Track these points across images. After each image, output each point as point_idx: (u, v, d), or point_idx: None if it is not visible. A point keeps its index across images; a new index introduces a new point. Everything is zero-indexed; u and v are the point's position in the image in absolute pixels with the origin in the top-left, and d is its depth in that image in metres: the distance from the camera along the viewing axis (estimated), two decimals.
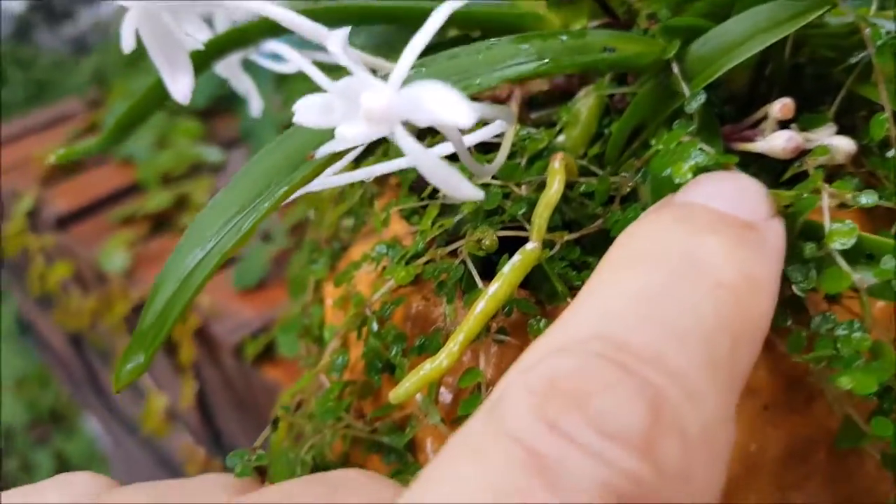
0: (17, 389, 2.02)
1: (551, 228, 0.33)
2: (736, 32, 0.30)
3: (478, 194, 0.23)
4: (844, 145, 0.30)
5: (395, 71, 0.22)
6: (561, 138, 0.37)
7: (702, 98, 0.30)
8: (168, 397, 0.84)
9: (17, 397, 2.02)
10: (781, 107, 0.30)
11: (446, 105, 0.20)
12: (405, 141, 0.22)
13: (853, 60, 0.32)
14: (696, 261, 0.22)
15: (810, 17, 0.29)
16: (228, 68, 0.41)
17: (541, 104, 0.38)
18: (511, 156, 0.35)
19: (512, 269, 0.27)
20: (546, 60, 0.28)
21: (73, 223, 1.04)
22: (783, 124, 0.33)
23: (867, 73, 0.32)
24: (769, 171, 0.33)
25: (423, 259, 0.32)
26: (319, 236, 0.42)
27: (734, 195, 0.25)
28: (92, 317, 0.89)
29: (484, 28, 0.38)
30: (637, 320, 0.20)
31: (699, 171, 0.26)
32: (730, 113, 0.34)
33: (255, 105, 0.42)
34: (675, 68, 0.31)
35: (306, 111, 0.23)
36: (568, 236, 0.31)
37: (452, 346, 0.27)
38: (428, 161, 0.22)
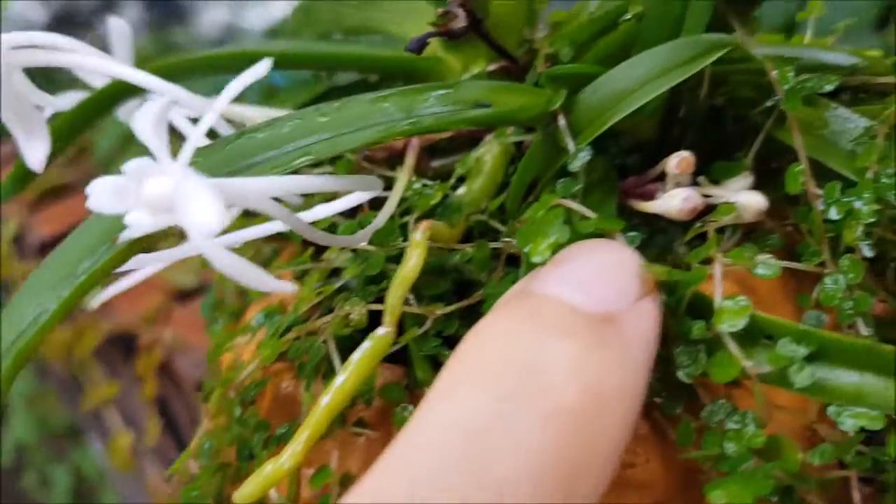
0: (29, 406, 2.04)
1: (437, 296, 0.30)
2: (626, 80, 0.27)
3: (286, 288, 0.21)
4: (753, 202, 0.27)
5: (180, 157, 0.20)
6: (462, 190, 0.34)
7: (585, 156, 0.27)
8: (135, 433, 0.83)
9: (29, 414, 2.03)
10: (679, 161, 0.27)
11: (199, 211, 0.17)
12: (194, 236, 0.19)
13: (770, 103, 0.29)
14: (536, 378, 0.19)
15: (708, 60, 0.26)
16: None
17: (445, 151, 0.36)
18: (406, 212, 0.32)
19: (361, 358, 0.24)
20: (404, 122, 0.25)
21: None
22: (697, 173, 0.30)
23: (785, 117, 0.29)
24: (678, 226, 0.30)
25: (291, 334, 0.29)
26: (223, 292, 0.40)
27: (595, 278, 0.22)
28: (65, 347, 0.88)
29: (383, 72, 0.35)
30: (453, 472, 0.17)
31: (558, 248, 0.23)
32: (635, 164, 0.31)
33: None
34: (562, 121, 0.28)
35: (98, 195, 0.21)
36: (441, 310, 0.28)
37: (296, 446, 0.24)
38: (222, 259, 0.20)
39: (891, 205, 0.26)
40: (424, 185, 0.33)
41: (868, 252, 0.26)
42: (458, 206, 0.32)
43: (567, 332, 0.20)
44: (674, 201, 0.27)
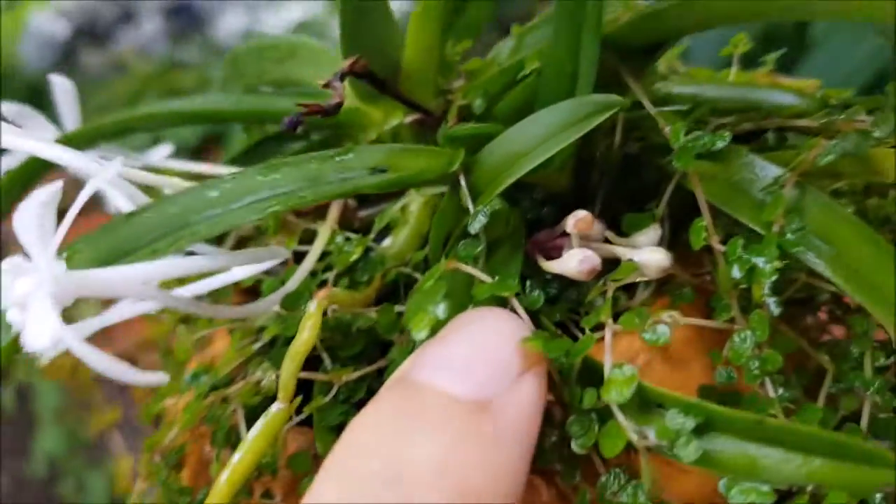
0: (58, 419, 2.09)
1: (354, 356, 0.30)
2: (520, 141, 0.27)
3: (153, 380, 0.21)
4: (655, 261, 0.27)
5: (46, 255, 0.20)
6: (387, 242, 0.34)
7: (482, 219, 0.27)
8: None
9: (59, 427, 2.09)
10: (576, 221, 0.27)
11: (33, 325, 0.18)
12: (68, 338, 0.20)
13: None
14: (401, 480, 0.19)
15: (595, 121, 0.25)
16: None
17: (373, 200, 0.36)
18: (329, 268, 0.32)
19: (256, 435, 0.25)
20: (295, 195, 0.25)
21: None
22: (614, 223, 0.29)
23: None
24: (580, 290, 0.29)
25: (210, 399, 0.29)
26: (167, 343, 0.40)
27: (471, 360, 0.22)
28: (68, 371, 0.90)
29: (307, 126, 0.35)
30: None
31: (439, 325, 0.23)
32: (549, 216, 0.30)
33: None
34: (462, 182, 0.28)
35: None
36: (349, 376, 0.28)
37: None
38: (86, 355, 0.20)
39: (797, 261, 0.25)
40: (347, 239, 0.33)
41: (776, 309, 0.26)
42: (381, 260, 0.32)
43: (436, 426, 0.20)
44: (572, 262, 0.26)
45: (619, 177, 0.31)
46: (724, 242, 0.27)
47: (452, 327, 0.23)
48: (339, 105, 0.25)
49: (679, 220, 0.29)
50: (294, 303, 0.29)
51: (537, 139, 0.26)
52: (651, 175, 0.31)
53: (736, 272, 0.25)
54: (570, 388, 0.24)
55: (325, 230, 0.32)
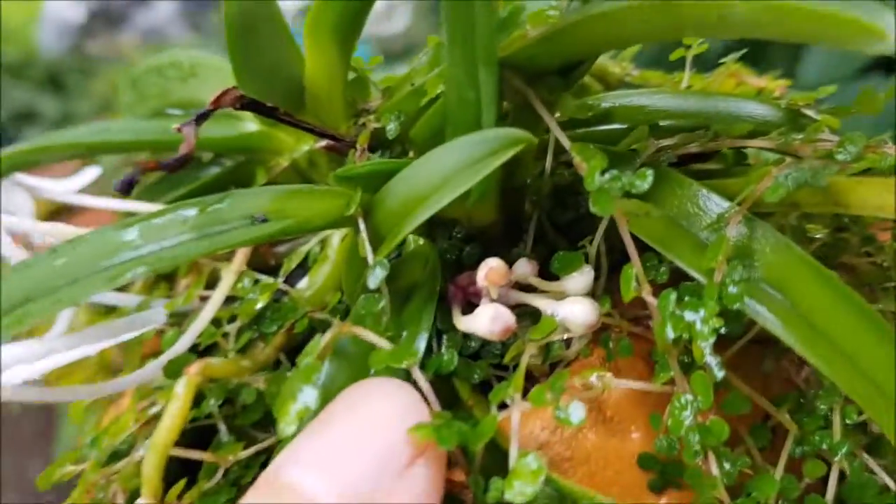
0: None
1: (257, 423, 0.27)
2: (423, 179, 0.23)
3: None
4: (581, 315, 0.23)
5: None
6: (304, 283, 0.30)
7: (381, 274, 0.23)
8: None
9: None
10: (487, 273, 0.23)
11: None
12: None
13: None
14: None
15: (502, 158, 0.21)
16: None
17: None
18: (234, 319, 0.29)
19: None
20: (145, 259, 0.22)
21: None
22: (546, 262, 0.25)
23: None
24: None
25: (96, 476, 0.26)
26: None
27: (347, 454, 0.19)
28: None
29: (216, 150, 0.32)
30: None
31: (308, 416, 0.20)
32: (472, 254, 0.27)
33: None
34: (362, 227, 0.24)
35: None
36: (236, 455, 0.24)
37: None
38: None
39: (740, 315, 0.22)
40: (256, 282, 0.29)
41: (718, 373, 0.22)
42: (293, 306, 0.29)
43: None
44: (482, 322, 0.23)
45: (553, 207, 0.27)
46: (669, 286, 0.23)
47: (331, 410, 0.20)
48: (186, 158, 0.22)
49: (621, 257, 0.26)
50: (176, 372, 0.26)
51: (439, 179, 0.22)
52: (586, 207, 0.27)
53: (670, 332, 0.22)
54: (473, 477, 0.21)
55: (228, 275, 0.28)
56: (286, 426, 0.20)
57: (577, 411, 0.20)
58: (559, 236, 0.27)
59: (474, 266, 0.26)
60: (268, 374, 0.26)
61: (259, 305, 0.28)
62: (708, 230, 0.23)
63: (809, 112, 0.28)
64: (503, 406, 0.22)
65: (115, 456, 0.28)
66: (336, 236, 0.31)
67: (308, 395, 0.20)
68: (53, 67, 2.01)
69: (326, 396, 0.23)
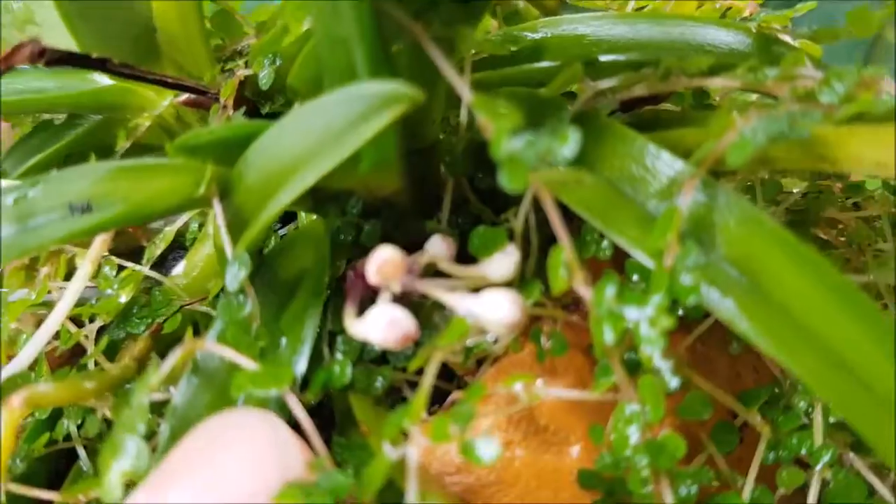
0: None
1: None
2: (283, 154, 0.18)
3: None
4: (501, 314, 0.18)
5: None
6: (179, 268, 0.25)
7: (241, 273, 0.18)
8: None
9: None
10: (379, 267, 0.18)
11: None
12: None
13: None
14: None
15: (380, 121, 0.16)
16: None
17: None
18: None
19: None
20: None
21: None
22: (464, 237, 0.20)
23: None
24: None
25: None
26: None
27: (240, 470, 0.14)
28: None
29: (68, 109, 0.26)
30: None
31: (134, 478, 0.15)
32: (371, 232, 0.22)
33: None
34: (218, 210, 0.19)
35: None
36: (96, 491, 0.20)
37: None
38: None
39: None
40: (119, 271, 0.24)
41: (672, 380, 0.17)
42: (167, 297, 0.24)
43: None
44: (375, 327, 0.18)
45: (474, 170, 0.22)
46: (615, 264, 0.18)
47: (175, 459, 0.15)
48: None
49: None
50: (17, 387, 0.21)
51: (305, 150, 0.17)
52: None
53: (608, 334, 0.17)
54: None
55: (84, 266, 0.23)
56: (111, 490, 0.15)
57: (488, 449, 0.16)
58: (484, 206, 0.22)
59: (385, 238, 0.21)
60: (120, 393, 0.21)
61: (123, 299, 0.23)
62: (657, 198, 0.18)
63: (786, 38, 0.23)
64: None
65: None
66: (212, 226, 0.25)
67: (133, 453, 0.15)
68: None
69: (184, 425, 0.18)
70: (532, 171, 0.16)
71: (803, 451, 0.20)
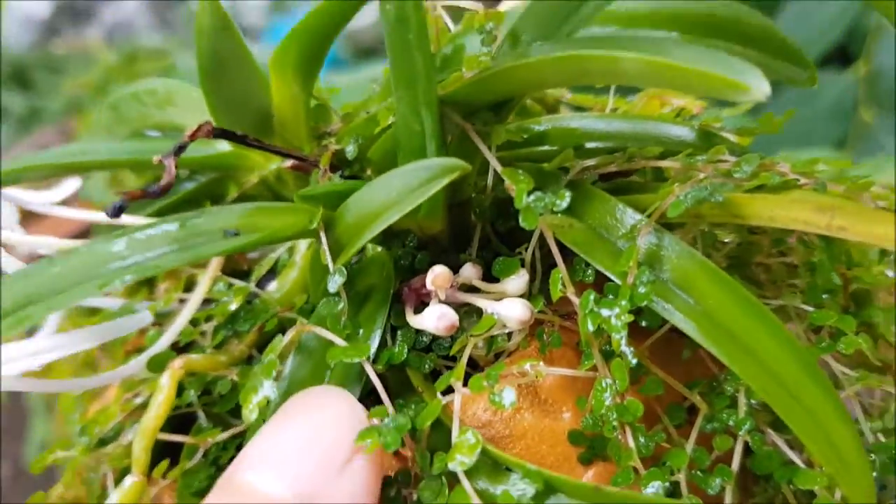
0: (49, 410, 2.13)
1: (234, 411, 0.30)
2: (373, 201, 0.26)
3: None
4: (516, 313, 0.26)
5: None
6: (273, 286, 0.33)
7: (339, 279, 0.26)
8: None
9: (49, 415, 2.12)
10: (434, 278, 0.26)
11: None
12: None
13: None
14: None
15: (438, 184, 0.25)
16: None
17: None
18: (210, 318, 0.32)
19: None
20: (138, 266, 0.25)
21: None
22: (489, 266, 0.29)
23: None
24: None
25: (87, 459, 0.29)
26: None
27: (292, 456, 0.21)
28: None
29: (192, 169, 0.35)
30: None
31: (269, 407, 0.23)
32: (423, 261, 0.30)
33: None
34: (323, 239, 0.27)
35: None
36: (213, 438, 0.28)
37: None
38: None
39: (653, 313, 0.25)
40: (230, 286, 0.32)
41: (632, 360, 0.25)
42: (265, 307, 0.32)
43: None
44: (430, 320, 0.26)
45: (495, 218, 0.30)
46: (596, 285, 0.27)
47: (278, 418, 0.23)
48: (168, 186, 0.25)
49: (554, 262, 0.29)
50: (159, 366, 0.29)
51: (389, 199, 0.26)
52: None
53: (589, 325, 0.25)
54: (420, 453, 0.24)
55: (204, 280, 0.31)
56: (249, 413, 0.23)
57: (508, 395, 0.24)
58: (501, 243, 0.31)
59: (425, 270, 0.30)
60: (241, 367, 0.29)
61: (233, 307, 0.32)
62: (623, 239, 0.27)
63: (726, 133, 0.32)
64: (450, 391, 0.25)
65: (103, 442, 0.31)
66: (302, 244, 0.34)
67: (268, 388, 0.23)
68: (18, 63, 1.98)
69: (291, 386, 0.26)
70: (540, 216, 0.25)
71: (731, 423, 0.28)
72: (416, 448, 0.24)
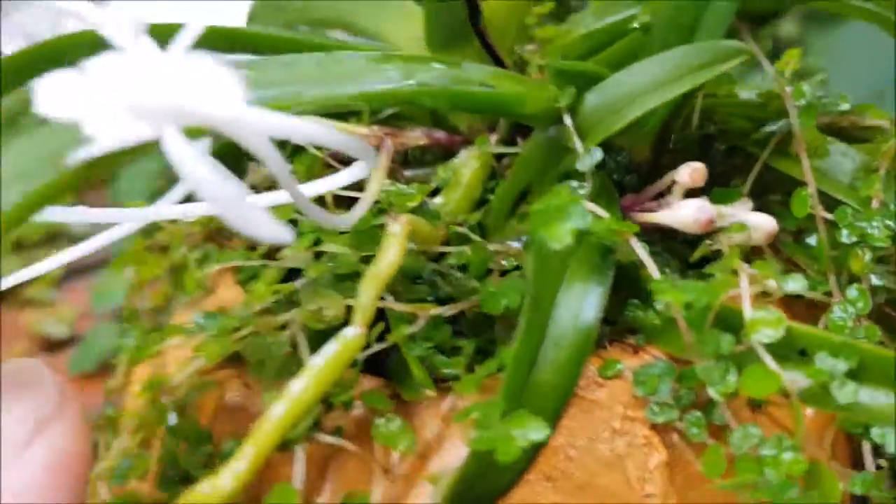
0: None
1: (418, 300, 0.26)
2: (634, 83, 0.25)
3: (282, 235, 0.16)
4: (765, 223, 0.26)
5: (175, 45, 0.16)
6: (439, 199, 0.31)
7: (597, 155, 0.25)
8: None
9: None
10: (691, 172, 0.25)
11: (218, 90, 0.14)
12: (176, 150, 0.15)
13: (771, 128, 0.28)
14: None
15: (722, 67, 0.25)
16: None
17: (417, 162, 0.33)
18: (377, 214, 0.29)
19: (326, 361, 0.20)
20: (411, 83, 0.22)
21: None
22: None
23: (785, 146, 0.28)
24: (674, 252, 0.28)
25: (246, 331, 0.24)
26: (138, 302, 0.34)
27: None
28: None
29: None
30: None
31: (582, 235, 0.21)
32: (630, 183, 0.29)
33: None
34: (568, 120, 0.26)
35: (48, 96, 0.16)
36: (434, 310, 0.24)
37: (238, 465, 0.19)
38: (209, 185, 0.15)
39: None
40: (399, 189, 0.29)
41: (877, 280, 0.25)
42: (438, 214, 0.29)
43: None
44: (687, 211, 0.25)
45: (694, 158, 0.30)
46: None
47: None
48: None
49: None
50: (360, 240, 0.25)
51: (653, 83, 0.25)
52: (725, 158, 0.30)
53: (845, 237, 0.25)
54: (700, 335, 0.22)
55: (379, 172, 0.28)
56: (555, 242, 0.20)
57: (798, 279, 0.23)
58: None
59: (634, 190, 0.28)
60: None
61: (412, 204, 0.28)
62: (852, 176, 0.27)
63: None
64: None
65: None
66: (467, 168, 0.32)
67: (579, 217, 0.21)
68: None
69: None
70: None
71: None
72: (694, 329, 0.22)
